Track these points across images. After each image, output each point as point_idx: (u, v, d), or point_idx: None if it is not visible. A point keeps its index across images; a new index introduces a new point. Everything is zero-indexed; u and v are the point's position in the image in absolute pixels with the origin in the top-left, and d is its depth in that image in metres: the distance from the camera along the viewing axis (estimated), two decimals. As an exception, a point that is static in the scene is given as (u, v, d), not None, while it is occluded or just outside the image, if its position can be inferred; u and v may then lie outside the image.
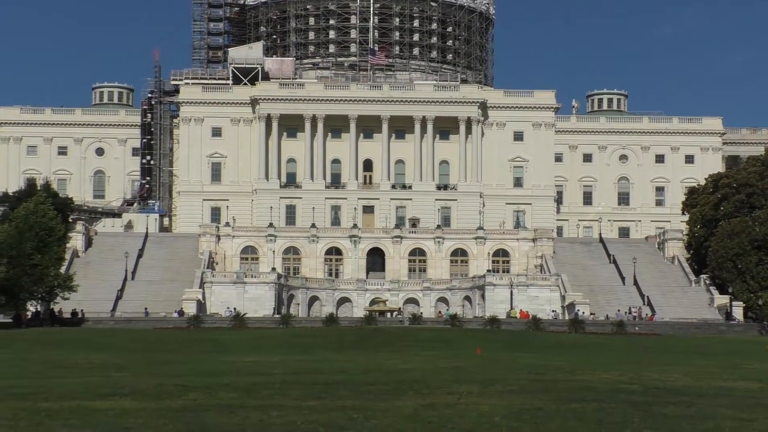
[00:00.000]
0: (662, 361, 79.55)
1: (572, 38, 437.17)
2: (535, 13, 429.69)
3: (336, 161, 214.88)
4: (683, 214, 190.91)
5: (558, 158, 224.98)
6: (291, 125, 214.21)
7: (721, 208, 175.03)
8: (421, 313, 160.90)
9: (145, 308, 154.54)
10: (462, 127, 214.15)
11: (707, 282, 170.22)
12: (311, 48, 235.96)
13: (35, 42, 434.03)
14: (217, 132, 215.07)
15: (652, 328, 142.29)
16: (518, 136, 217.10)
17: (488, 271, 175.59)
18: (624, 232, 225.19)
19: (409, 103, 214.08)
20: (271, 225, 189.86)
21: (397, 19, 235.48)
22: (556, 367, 68.60)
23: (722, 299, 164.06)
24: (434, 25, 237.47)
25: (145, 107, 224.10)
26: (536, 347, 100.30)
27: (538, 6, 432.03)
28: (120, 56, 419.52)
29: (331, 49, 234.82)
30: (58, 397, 47.77)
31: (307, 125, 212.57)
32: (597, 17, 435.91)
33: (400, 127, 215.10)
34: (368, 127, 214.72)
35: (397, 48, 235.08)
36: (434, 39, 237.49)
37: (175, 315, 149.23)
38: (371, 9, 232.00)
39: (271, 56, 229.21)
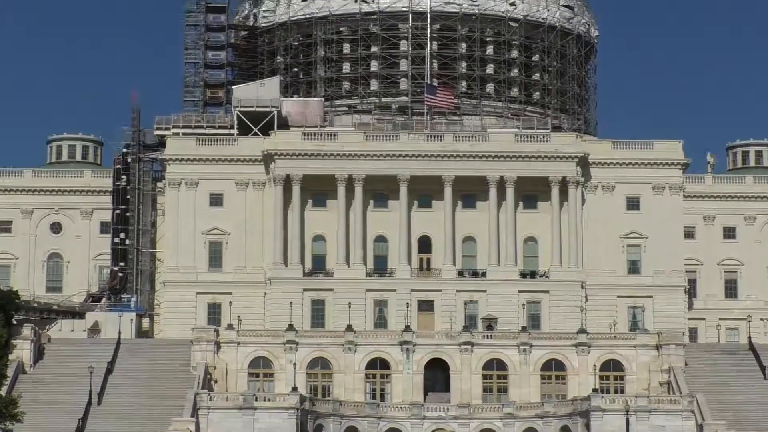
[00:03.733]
0: None
1: (705, 69, 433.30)
2: (654, 34, 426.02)
3: (381, 239, 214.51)
4: None
5: (689, 234, 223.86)
6: (319, 190, 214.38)
7: None
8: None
9: None
10: (555, 192, 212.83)
11: None
12: (346, 85, 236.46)
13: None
14: (216, 200, 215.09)
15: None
16: (633, 204, 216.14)
17: (594, 390, 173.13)
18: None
19: (482, 159, 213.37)
20: (291, 328, 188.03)
21: (464, 45, 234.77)
22: None
23: None
24: (515, 53, 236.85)
25: (118, 167, 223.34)
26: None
27: (658, 24, 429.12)
28: (84, 98, 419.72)
29: (374, 85, 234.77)
30: None
31: (341, 190, 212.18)
32: (736, 43, 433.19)
33: (470, 191, 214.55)
34: (425, 192, 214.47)
35: (465, 84, 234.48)
36: (515, 71, 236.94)
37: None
38: (428, 31, 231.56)
39: (292, 96, 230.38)
